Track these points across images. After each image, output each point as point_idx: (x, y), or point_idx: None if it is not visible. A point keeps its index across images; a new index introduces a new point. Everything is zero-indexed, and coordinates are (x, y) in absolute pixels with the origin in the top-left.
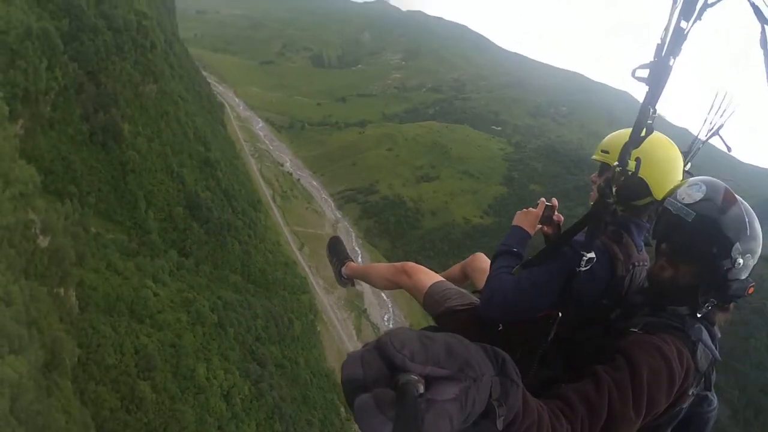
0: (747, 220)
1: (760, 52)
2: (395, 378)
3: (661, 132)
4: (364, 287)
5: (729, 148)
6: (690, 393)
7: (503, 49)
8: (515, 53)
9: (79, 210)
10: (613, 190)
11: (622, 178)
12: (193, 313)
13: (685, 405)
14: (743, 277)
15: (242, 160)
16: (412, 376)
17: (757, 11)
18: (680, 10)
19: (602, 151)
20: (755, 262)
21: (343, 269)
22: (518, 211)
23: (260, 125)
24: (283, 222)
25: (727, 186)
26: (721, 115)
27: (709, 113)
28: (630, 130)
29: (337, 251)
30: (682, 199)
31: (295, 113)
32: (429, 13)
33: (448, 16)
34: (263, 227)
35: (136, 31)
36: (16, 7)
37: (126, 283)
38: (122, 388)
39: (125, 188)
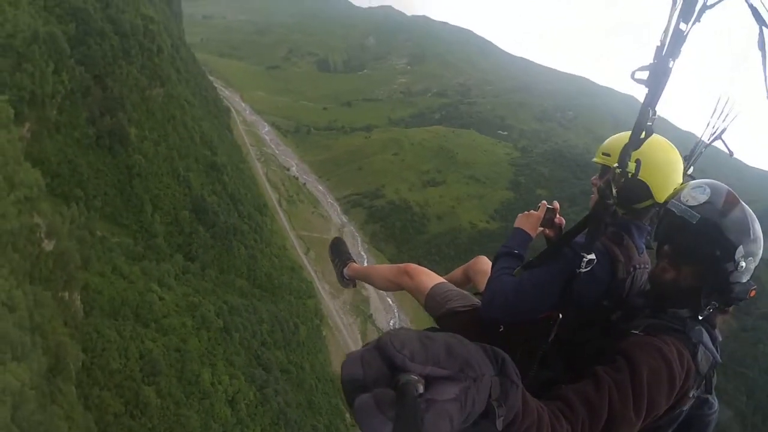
0: (749, 222)
1: (759, 54)
2: (395, 378)
3: (667, 136)
4: (369, 292)
5: (731, 153)
6: (690, 395)
7: (508, 53)
8: (520, 57)
9: (85, 213)
10: (614, 191)
11: (622, 180)
12: (199, 318)
13: (686, 407)
14: (745, 280)
15: (248, 164)
16: (412, 376)
17: (755, 13)
18: (679, 11)
19: (603, 153)
20: (756, 265)
21: (345, 270)
22: (520, 214)
23: (266, 129)
24: (289, 226)
25: (730, 189)
26: (724, 119)
27: (711, 117)
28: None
29: (339, 252)
30: (687, 201)
31: (301, 118)
32: (434, 18)
33: (453, 20)
34: (269, 231)
35: (143, 35)
36: (23, 11)
37: (131, 287)
38: (127, 393)
39: (131, 192)
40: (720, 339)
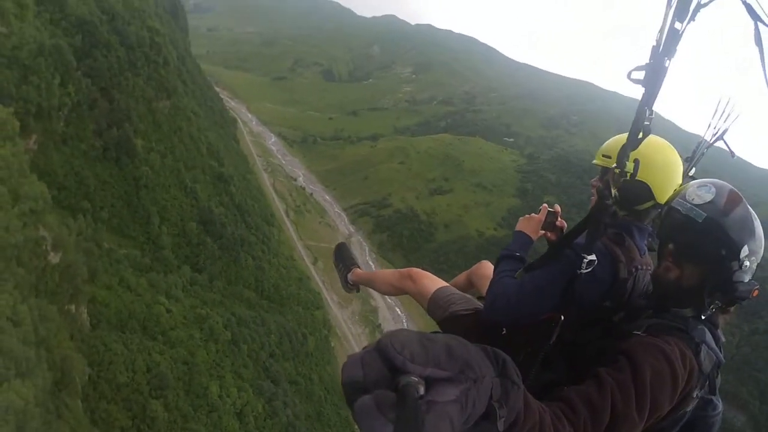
0: (753, 221)
1: (755, 51)
2: (396, 380)
3: (672, 138)
4: (378, 302)
5: (733, 154)
6: (694, 395)
7: (513, 60)
8: (525, 64)
9: (92, 225)
10: (613, 191)
11: (621, 180)
12: (207, 330)
13: (689, 408)
14: (747, 279)
15: (255, 174)
16: (413, 377)
17: (749, 9)
18: (674, 11)
19: (603, 155)
20: (757, 264)
21: (349, 275)
22: (521, 217)
23: (273, 140)
24: (296, 236)
25: (733, 188)
26: (725, 120)
27: (713, 118)
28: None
29: (343, 257)
30: (692, 199)
31: (308, 128)
32: (438, 27)
33: (457, 28)
34: (276, 242)
35: (149, 47)
36: (29, 23)
37: (138, 300)
38: (134, 406)
39: (138, 204)
40: (723, 339)
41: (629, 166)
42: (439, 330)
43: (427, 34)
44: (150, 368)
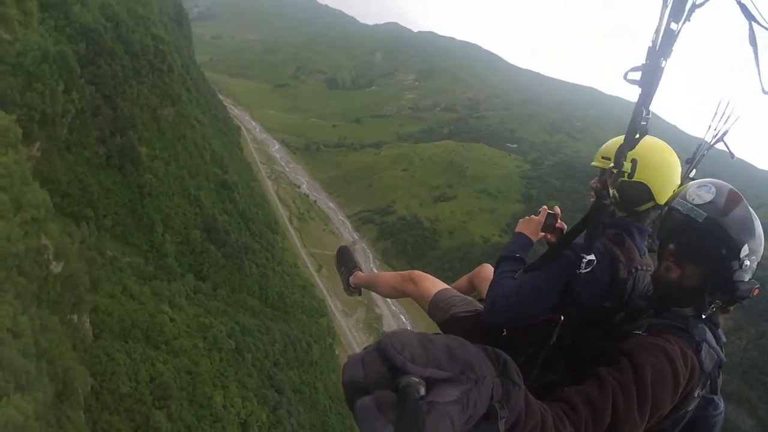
0: (752, 221)
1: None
2: (396, 380)
3: (675, 141)
4: (382, 309)
5: (732, 155)
6: (695, 395)
7: (515, 66)
8: (527, 70)
9: (96, 233)
10: (611, 191)
11: (619, 180)
12: (210, 339)
13: (691, 407)
14: (748, 279)
15: (259, 182)
16: (413, 378)
17: (744, 9)
18: (670, 11)
19: (602, 157)
20: (757, 264)
21: (351, 278)
22: (521, 219)
23: (276, 147)
24: (300, 244)
25: (733, 187)
26: (725, 122)
27: (713, 120)
28: None
29: (345, 261)
30: (693, 199)
31: (311, 135)
32: (440, 34)
33: (460, 35)
34: (280, 249)
35: (154, 55)
36: (34, 30)
37: (142, 309)
38: (137, 417)
39: (142, 211)
40: (724, 339)
41: (627, 166)
42: (440, 332)
43: (429, 41)
44: (153, 378)
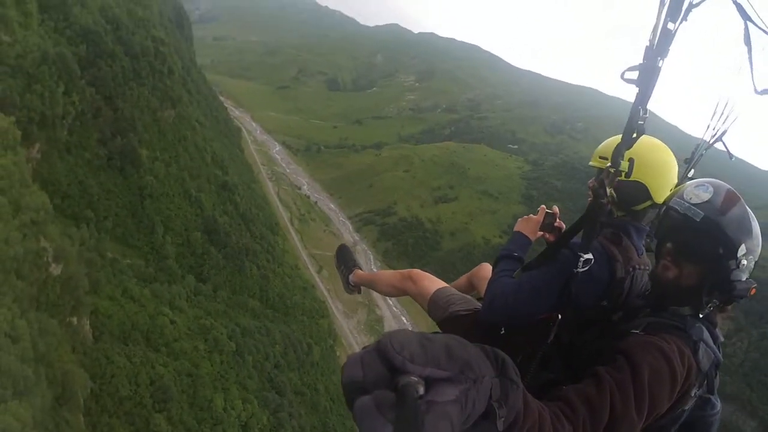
0: (750, 220)
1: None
2: (395, 380)
3: (678, 142)
4: (383, 311)
5: (731, 155)
6: (692, 394)
7: (516, 67)
8: (528, 71)
9: (96, 235)
10: (608, 190)
11: (616, 179)
12: (211, 341)
13: (687, 406)
14: (745, 278)
15: (260, 183)
16: (412, 377)
17: (740, 8)
18: (667, 10)
19: (600, 157)
20: (755, 263)
21: (351, 276)
22: (519, 218)
23: (277, 149)
24: (301, 245)
25: (730, 187)
26: (724, 122)
27: (711, 119)
28: None
29: (345, 259)
30: (690, 199)
31: (312, 136)
32: (441, 35)
33: (460, 36)
34: (281, 251)
35: (154, 56)
36: (33, 32)
37: (142, 311)
38: (137, 420)
39: (143, 213)
40: (722, 339)
41: (624, 165)
42: (439, 330)
43: (430, 42)
44: (153, 381)
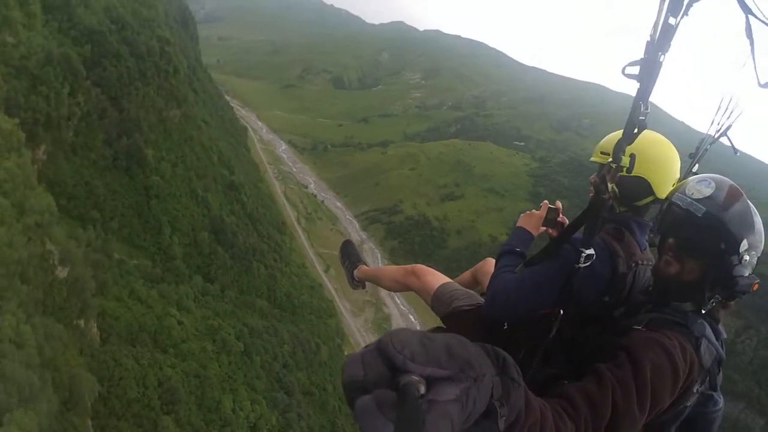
0: (752, 216)
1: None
2: (396, 379)
3: (685, 138)
4: (391, 309)
5: (736, 151)
6: (694, 390)
7: (522, 63)
8: (534, 67)
9: (102, 236)
10: (609, 186)
11: (618, 175)
12: (219, 342)
13: (689, 403)
14: (747, 274)
15: (266, 182)
16: (413, 377)
17: (740, 1)
18: (668, 5)
19: (601, 152)
20: (757, 259)
21: (355, 272)
22: (522, 214)
23: (283, 148)
24: (308, 244)
25: (733, 182)
26: (728, 117)
27: (716, 114)
28: None
29: (349, 254)
30: (692, 194)
31: (318, 135)
32: (446, 32)
33: (465, 33)
34: (288, 250)
35: (159, 56)
36: (37, 33)
37: (149, 312)
38: (145, 423)
39: (149, 213)
40: (724, 335)
41: (625, 161)
42: (443, 325)
43: (435, 39)
44: (161, 383)
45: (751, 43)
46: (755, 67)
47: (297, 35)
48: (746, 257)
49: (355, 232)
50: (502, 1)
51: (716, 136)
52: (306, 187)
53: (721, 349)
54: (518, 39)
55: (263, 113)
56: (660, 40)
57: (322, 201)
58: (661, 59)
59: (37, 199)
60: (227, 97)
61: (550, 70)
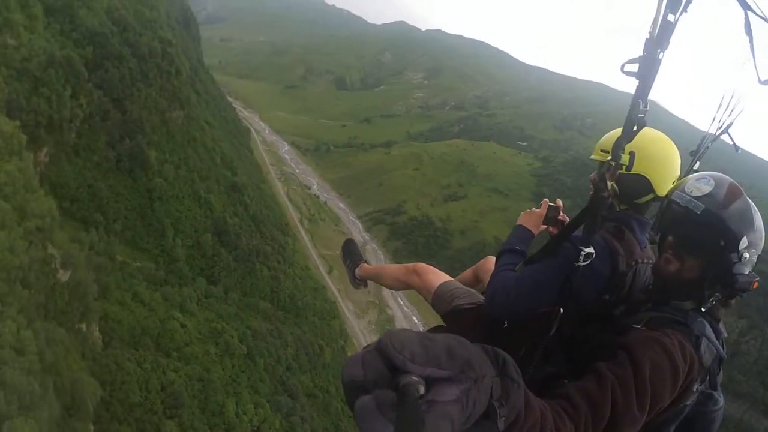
0: (752, 213)
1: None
2: (396, 379)
3: (688, 137)
4: (394, 311)
5: (737, 148)
6: (694, 389)
7: (524, 63)
8: (536, 67)
9: (105, 238)
10: (609, 184)
11: (617, 173)
12: (222, 345)
13: (689, 402)
14: (747, 272)
15: (269, 184)
16: (413, 377)
17: None
18: (667, 2)
19: (601, 150)
20: (757, 257)
21: (357, 271)
22: (522, 212)
23: (286, 149)
24: (311, 246)
25: (733, 180)
26: (730, 114)
27: (717, 112)
28: None
29: (351, 253)
30: (691, 191)
31: (321, 136)
32: (448, 32)
33: (468, 33)
34: (291, 251)
35: (161, 58)
36: (39, 35)
37: (152, 315)
38: (148, 427)
39: (152, 215)
40: (725, 334)
41: (625, 158)
42: (443, 323)
43: (437, 39)
44: (164, 387)
45: (751, 40)
46: (755, 64)
47: (299, 36)
48: (746, 255)
49: (358, 233)
50: (503, 0)
51: (717, 134)
52: (309, 188)
53: (721, 347)
54: (520, 38)
55: (266, 114)
56: (659, 37)
57: (325, 202)
58: (660, 56)
59: (38, 202)
60: (230, 99)
61: (552, 69)
